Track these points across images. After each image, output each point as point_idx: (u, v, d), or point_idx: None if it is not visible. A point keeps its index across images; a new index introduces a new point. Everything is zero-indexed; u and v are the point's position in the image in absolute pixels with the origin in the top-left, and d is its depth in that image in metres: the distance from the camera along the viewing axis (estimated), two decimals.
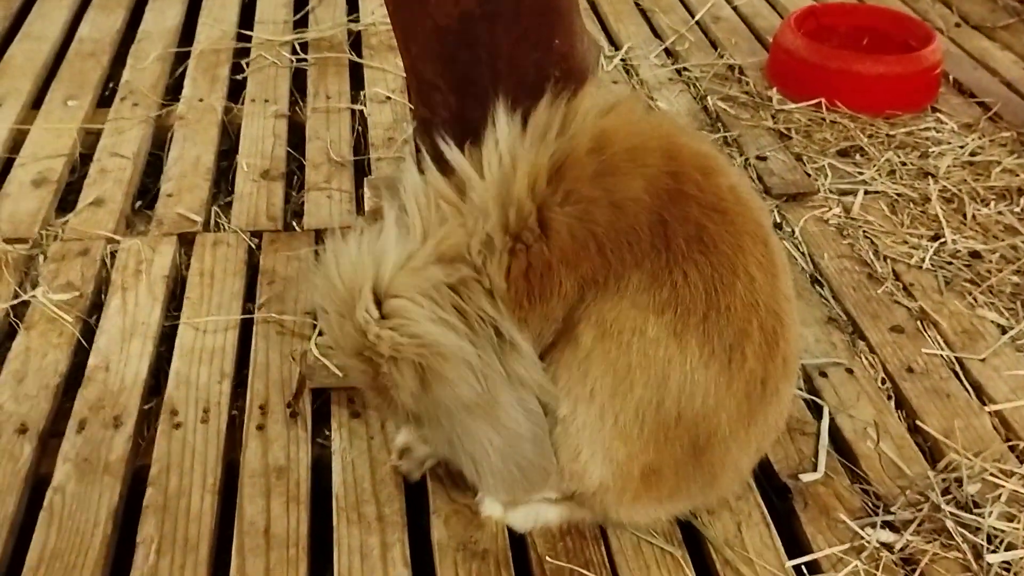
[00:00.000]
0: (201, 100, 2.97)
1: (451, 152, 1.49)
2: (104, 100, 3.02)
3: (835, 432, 1.95)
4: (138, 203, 2.59)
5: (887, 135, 2.88)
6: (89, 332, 2.13)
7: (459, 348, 1.43)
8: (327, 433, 1.91)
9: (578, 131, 1.46)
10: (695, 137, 1.56)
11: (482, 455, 1.52)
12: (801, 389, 2.01)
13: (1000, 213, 2.56)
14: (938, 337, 2.18)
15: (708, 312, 1.44)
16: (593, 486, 1.57)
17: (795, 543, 1.75)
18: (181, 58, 3.22)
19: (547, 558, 1.67)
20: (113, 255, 2.34)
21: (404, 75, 2.98)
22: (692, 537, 1.75)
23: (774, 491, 1.83)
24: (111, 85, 3.11)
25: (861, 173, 2.70)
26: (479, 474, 1.55)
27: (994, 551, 1.70)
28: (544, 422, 1.53)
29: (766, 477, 1.85)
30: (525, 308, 1.45)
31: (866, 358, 2.12)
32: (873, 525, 1.75)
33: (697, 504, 1.72)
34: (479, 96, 1.83)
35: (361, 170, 2.70)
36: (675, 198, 1.44)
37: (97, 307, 2.21)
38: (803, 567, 1.69)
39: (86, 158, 2.73)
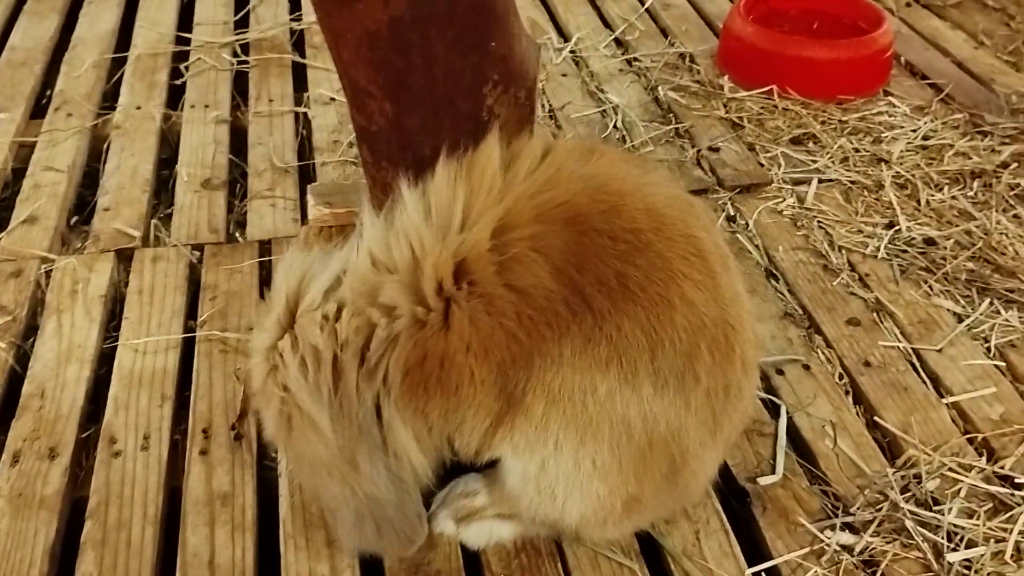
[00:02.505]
0: (139, 108, 2.88)
1: (370, 232, 1.47)
2: (38, 111, 2.91)
3: (793, 431, 1.92)
4: (74, 219, 2.50)
5: (840, 121, 2.85)
6: (24, 358, 2.05)
7: (319, 416, 1.43)
8: (273, 455, 1.85)
9: (479, 218, 1.41)
10: (599, 161, 1.49)
11: (336, 508, 1.53)
12: (759, 388, 1.97)
13: (954, 198, 2.54)
14: (895, 328, 2.15)
15: (654, 352, 1.41)
16: (574, 523, 1.55)
17: (755, 548, 1.72)
18: (118, 64, 3.12)
19: None
20: (48, 275, 2.25)
21: None
22: (650, 547, 1.71)
23: (733, 495, 1.80)
24: (47, 93, 3.00)
25: (815, 161, 2.67)
26: (334, 523, 1.57)
27: (955, 549, 1.68)
28: (413, 491, 1.53)
29: (725, 481, 1.81)
30: (423, 397, 1.42)
31: (823, 353, 2.09)
32: (833, 527, 1.72)
33: (668, 514, 1.71)
34: (415, 102, 1.77)
35: (306, 176, 2.62)
36: (585, 264, 1.39)
37: (32, 331, 2.12)
38: (763, 574, 1.66)
39: (19, 173, 2.63)
